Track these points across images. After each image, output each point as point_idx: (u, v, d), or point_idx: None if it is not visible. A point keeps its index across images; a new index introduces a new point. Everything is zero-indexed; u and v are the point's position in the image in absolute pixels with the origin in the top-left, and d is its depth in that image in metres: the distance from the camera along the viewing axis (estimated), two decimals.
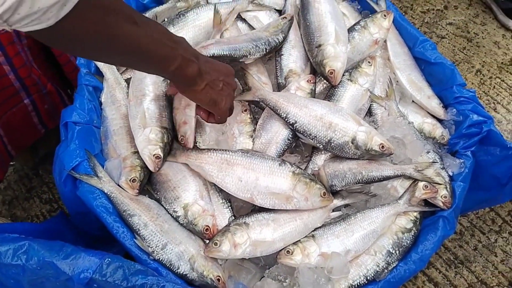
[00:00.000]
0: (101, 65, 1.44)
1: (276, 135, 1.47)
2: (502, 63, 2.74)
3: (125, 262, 1.08)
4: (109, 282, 1.05)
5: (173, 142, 1.40)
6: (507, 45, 2.82)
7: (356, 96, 1.54)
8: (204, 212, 1.31)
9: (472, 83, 2.66)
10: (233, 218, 1.36)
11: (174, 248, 1.24)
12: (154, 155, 1.32)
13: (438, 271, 2.11)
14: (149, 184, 1.37)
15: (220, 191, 1.39)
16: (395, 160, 1.48)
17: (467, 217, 2.25)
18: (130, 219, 1.26)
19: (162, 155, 1.33)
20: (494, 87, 2.67)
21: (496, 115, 2.58)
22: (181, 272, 1.23)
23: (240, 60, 1.46)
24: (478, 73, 2.71)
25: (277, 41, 1.55)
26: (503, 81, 2.70)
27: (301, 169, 1.37)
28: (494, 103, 2.62)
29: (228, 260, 1.31)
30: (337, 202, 1.40)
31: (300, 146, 1.52)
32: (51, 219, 1.53)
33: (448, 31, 2.87)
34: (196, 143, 1.45)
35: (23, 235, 1.10)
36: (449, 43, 2.82)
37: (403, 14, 2.47)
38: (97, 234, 1.50)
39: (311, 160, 1.47)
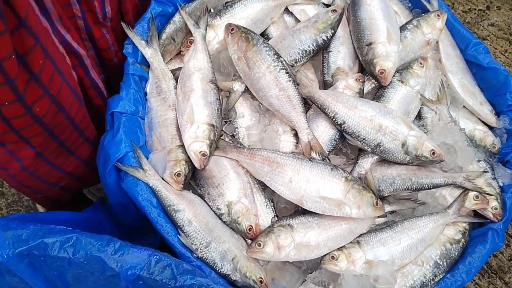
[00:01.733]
0: (148, 54, 1.40)
1: (322, 135, 1.43)
2: None
3: (173, 260, 1.06)
4: (156, 280, 1.03)
5: (219, 139, 1.36)
6: None
7: (407, 98, 1.48)
8: (248, 211, 1.27)
9: None
10: (276, 218, 1.33)
11: (217, 247, 1.21)
12: (200, 152, 1.29)
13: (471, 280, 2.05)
14: (193, 179, 1.34)
15: (263, 190, 1.35)
16: (445, 167, 1.43)
17: None
18: (174, 215, 1.23)
19: (208, 153, 1.29)
20: None
21: None
22: (224, 272, 1.20)
23: None
24: None
25: (326, 39, 1.49)
26: None
27: (354, 176, 1.33)
28: None
29: (270, 262, 1.28)
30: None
31: (346, 148, 1.47)
32: (90, 207, 1.50)
33: (489, 32, 2.77)
34: (238, 137, 1.42)
35: (69, 227, 1.07)
36: (490, 45, 2.73)
37: None
38: (134, 225, 1.48)
39: (357, 163, 1.43)
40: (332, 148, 1.43)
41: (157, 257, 1.05)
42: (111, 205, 1.39)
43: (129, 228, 1.51)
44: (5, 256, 1.02)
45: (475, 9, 2.85)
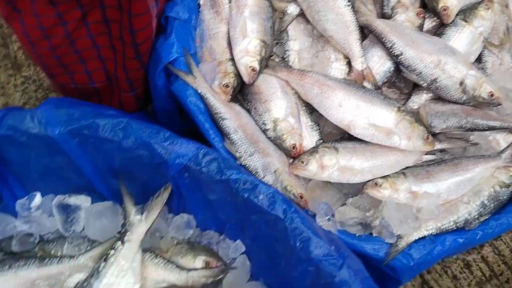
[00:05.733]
0: None
1: (376, 65, 1.38)
2: None
3: (221, 156, 1.05)
4: (203, 172, 1.02)
5: (269, 58, 1.34)
6: None
7: (469, 38, 1.41)
8: (293, 129, 1.25)
9: None
10: (321, 141, 1.30)
11: (261, 158, 1.20)
12: (250, 66, 1.26)
13: (506, 244, 1.97)
14: (240, 94, 1.32)
15: (310, 113, 1.33)
16: (500, 113, 1.37)
17: None
18: (221, 122, 1.22)
19: (258, 68, 1.27)
20: None
21: None
22: (265, 182, 1.18)
23: None
24: None
25: None
26: None
27: (407, 107, 1.29)
28: None
29: (312, 181, 1.26)
30: None
31: (400, 82, 1.42)
32: (134, 113, 1.49)
33: None
34: (288, 60, 1.39)
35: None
36: None
37: None
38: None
39: (410, 98, 1.38)
40: (385, 80, 1.38)
41: (205, 150, 1.04)
42: (156, 112, 1.39)
43: None
44: (57, 133, 1.03)
45: None
